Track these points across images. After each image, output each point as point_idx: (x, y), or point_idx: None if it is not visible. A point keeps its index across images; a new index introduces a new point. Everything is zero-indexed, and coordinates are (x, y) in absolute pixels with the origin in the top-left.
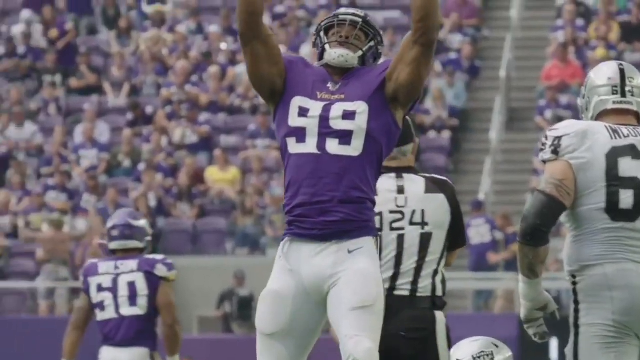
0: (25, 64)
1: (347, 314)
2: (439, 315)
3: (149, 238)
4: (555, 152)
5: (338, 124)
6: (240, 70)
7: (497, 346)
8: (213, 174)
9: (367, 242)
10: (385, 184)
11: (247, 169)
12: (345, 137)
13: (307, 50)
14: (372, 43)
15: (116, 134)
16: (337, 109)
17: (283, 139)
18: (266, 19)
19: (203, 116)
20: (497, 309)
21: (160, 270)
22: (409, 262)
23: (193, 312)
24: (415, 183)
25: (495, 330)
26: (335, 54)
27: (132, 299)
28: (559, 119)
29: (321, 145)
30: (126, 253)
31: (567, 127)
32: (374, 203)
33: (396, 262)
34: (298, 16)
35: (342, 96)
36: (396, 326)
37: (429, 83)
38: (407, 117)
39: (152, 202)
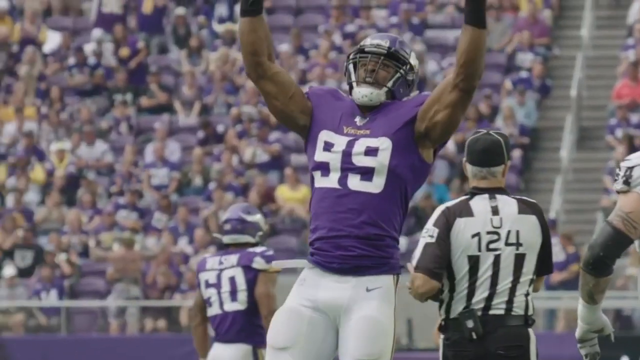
0: (97, 82)
1: None
2: (532, 332)
3: (261, 233)
4: (627, 182)
5: (360, 160)
6: None
7: None
8: (284, 192)
9: (386, 282)
10: (480, 204)
11: None
12: (367, 173)
13: None
14: (398, 74)
15: (187, 152)
16: (360, 145)
17: (310, 172)
18: (337, 38)
19: (273, 135)
20: (559, 328)
21: (258, 263)
22: (505, 282)
23: None
24: (508, 204)
25: (560, 349)
26: (360, 93)
27: (233, 294)
28: (630, 138)
29: (343, 180)
30: (238, 247)
31: None
32: (396, 240)
33: (492, 282)
34: (368, 35)
35: (368, 131)
36: (493, 344)
37: (499, 102)
38: (500, 137)
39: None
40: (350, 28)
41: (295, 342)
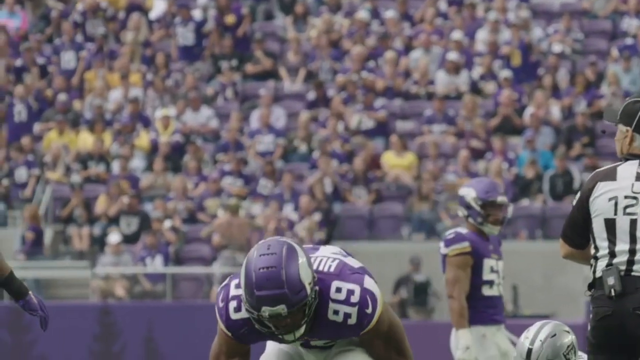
0: (202, 48)
1: None
2: None
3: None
4: None
5: (321, 344)
6: (416, 56)
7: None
8: (389, 159)
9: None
10: (627, 170)
11: (423, 154)
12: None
13: (482, 36)
14: (307, 310)
15: (292, 119)
16: (315, 341)
17: None
18: (442, 5)
19: (379, 101)
20: None
21: (442, 249)
22: None
23: None
24: None
25: None
26: (288, 341)
27: None
28: None
29: (305, 345)
30: None
31: None
32: None
33: (631, 246)
34: (474, 2)
35: (315, 340)
36: (632, 304)
37: (605, 68)
38: None
39: (328, 188)
40: None
41: None
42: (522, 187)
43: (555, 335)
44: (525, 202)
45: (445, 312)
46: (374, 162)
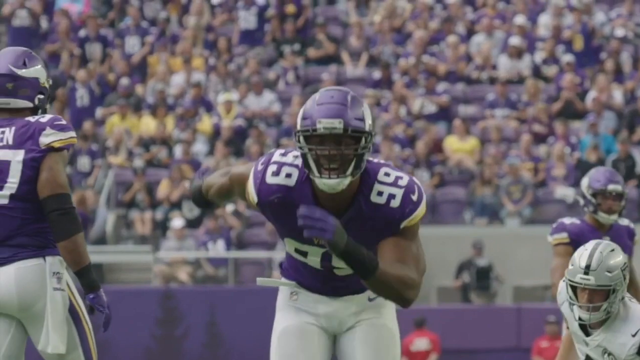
0: (264, 32)
1: None
2: None
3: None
4: None
5: (343, 271)
6: (479, 40)
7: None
8: (452, 143)
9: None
10: None
11: (485, 138)
12: (351, 275)
13: (545, 20)
14: (360, 153)
15: None
16: (338, 260)
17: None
18: None
19: (441, 86)
20: None
21: (548, 236)
22: None
23: (432, 282)
24: None
25: None
26: (325, 185)
27: None
28: None
29: (328, 270)
30: None
31: None
32: None
33: None
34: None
35: (348, 230)
36: None
37: None
38: None
39: None
40: None
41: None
42: (584, 172)
43: (614, 250)
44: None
45: (508, 296)
46: (437, 147)
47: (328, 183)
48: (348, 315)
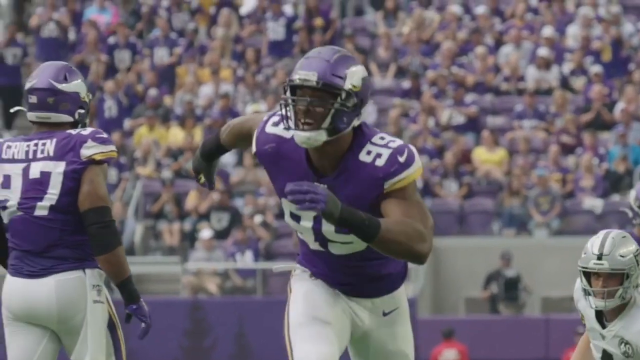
0: (293, 43)
1: None
2: None
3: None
4: None
5: (334, 237)
6: (507, 51)
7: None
8: (480, 154)
9: (400, 296)
10: None
11: (513, 149)
12: (344, 244)
13: (573, 31)
14: (334, 110)
15: (383, 114)
16: (328, 224)
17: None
18: (533, 0)
19: (469, 97)
20: None
21: None
22: None
23: (460, 293)
24: None
25: None
26: (299, 139)
27: None
28: None
29: (324, 247)
30: None
31: None
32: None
33: None
34: None
35: (335, 190)
36: None
37: None
38: None
39: (419, 183)
40: None
41: (335, 318)
42: (612, 183)
43: (625, 236)
44: (616, 197)
45: (536, 307)
46: (465, 158)
47: (300, 135)
48: (362, 321)
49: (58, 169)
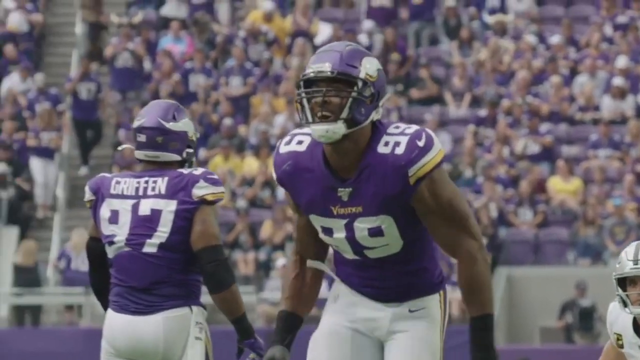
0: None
1: None
2: None
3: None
4: None
5: (369, 242)
6: (582, 80)
7: None
8: (555, 184)
9: (430, 301)
10: None
11: (588, 179)
12: (381, 247)
13: None
14: (351, 99)
15: (457, 144)
16: (360, 229)
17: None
18: (608, 29)
19: (544, 126)
20: None
21: None
22: None
23: (535, 323)
24: None
25: None
26: (316, 134)
27: None
28: None
29: (360, 255)
30: None
31: None
32: (432, 261)
33: None
34: (638, 26)
35: (360, 209)
36: None
37: None
38: None
39: (493, 213)
40: (621, 19)
41: None
42: None
43: None
44: None
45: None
46: (540, 187)
47: (318, 129)
48: (385, 323)
49: (169, 207)
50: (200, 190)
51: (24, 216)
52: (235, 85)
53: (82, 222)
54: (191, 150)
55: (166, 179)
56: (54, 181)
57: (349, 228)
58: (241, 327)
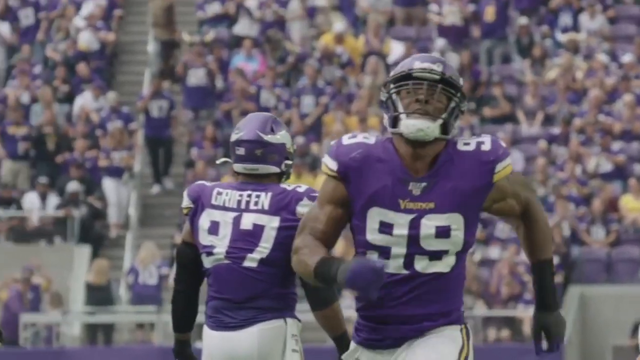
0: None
1: None
2: None
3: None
4: None
5: (431, 244)
6: None
7: None
8: (628, 202)
9: (449, 329)
10: None
11: None
12: (437, 254)
13: None
14: (453, 104)
15: (530, 163)
16: (428, 226)
17: (357, 248)
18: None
19: (617, 144)
20: None
21: None
22: None
23: (607, 341)
24: None
25: None
26: (413, 127)
27: None
28: None
29: (408, 264)
30: None
31: None
32: (460, 298)
33: None
34: None
35: (432, 205)
36: None
37: None
38: None
39: (566, 232)
40: None
41: None
42: None
43: None
44: None
45: None
46: (612, 205)
47: (415, 123)
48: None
49: (272, 223)
50: (304, 208)
51: (96, 235)
52: (307, 104)
53: (154, 241)
54: (290, 162)
55: (270, 194)
56: (127, 200)
57: (415, 225)
58: (342, 345)
